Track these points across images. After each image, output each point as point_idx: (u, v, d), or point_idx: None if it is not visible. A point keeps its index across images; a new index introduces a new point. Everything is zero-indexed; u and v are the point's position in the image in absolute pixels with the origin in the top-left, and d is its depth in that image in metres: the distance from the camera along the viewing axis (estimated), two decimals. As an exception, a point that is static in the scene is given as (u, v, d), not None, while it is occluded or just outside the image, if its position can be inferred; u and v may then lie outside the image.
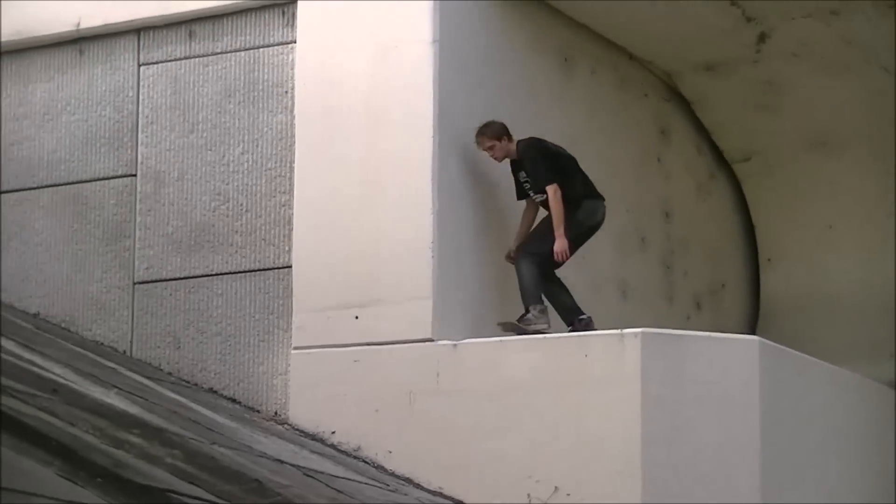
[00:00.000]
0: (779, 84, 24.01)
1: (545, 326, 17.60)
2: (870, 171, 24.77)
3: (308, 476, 17.18)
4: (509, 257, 19.36)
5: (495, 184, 21.18)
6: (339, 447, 19.56)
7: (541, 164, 17.85)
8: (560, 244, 17.67)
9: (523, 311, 18.25)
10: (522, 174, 18.47)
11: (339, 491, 17.17)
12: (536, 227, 18.80)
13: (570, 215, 18.10)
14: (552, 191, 17.65)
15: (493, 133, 18.00)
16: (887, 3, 22.31)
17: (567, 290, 18.64)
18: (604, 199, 18.79)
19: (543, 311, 18.01)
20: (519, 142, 18.30)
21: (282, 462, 17.26)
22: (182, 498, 13.45)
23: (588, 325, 18.31)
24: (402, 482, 19.21)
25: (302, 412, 19.78)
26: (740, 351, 19.51)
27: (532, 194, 18.56)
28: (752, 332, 23.86)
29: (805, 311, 24.74)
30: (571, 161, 18.58)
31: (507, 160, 19.34)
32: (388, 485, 18.87)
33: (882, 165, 24.64)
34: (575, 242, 18.34)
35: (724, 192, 25.90)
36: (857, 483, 21.25)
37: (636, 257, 24.08)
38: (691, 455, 18.59)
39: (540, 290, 18.45)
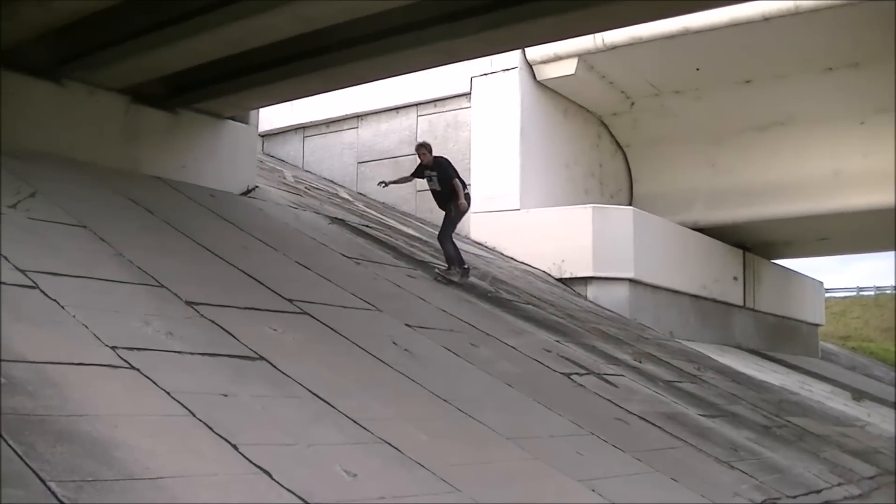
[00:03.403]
0: (639, 119, 25.48)
1: (456, 279, 14.57)
2: (679, 150, 26.10)
3: (476, 256, 19.29)
4: (383, 183, 16.57)
5: (548, 157, 23.38)
6: (486, 245, 21.93)
7: (451, 171, 14.88)
8: (462, 204, 14.80)
9: (447, 266, 14.97)
10: (429, 172, 15.06)
11: (487, 262, 19.36)
12: (444, 220, 15.45)
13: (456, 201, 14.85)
14: (456, 183, 14.70)
15: (427, 148, 14.99)
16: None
17: (457, 248, 15.50)
18: (468, 191, 15.44)
19: (457, 273, 14.74)
20: (435, 157, 15.20)
21: (467, 252, 18.88)
22: (433, 262, 15.89)
23: (467, 272, 15.36)
24: (506, 257, 21.68)
25: (474, 234, 22.32)
26: (626, 213, 22.17)
27: (433, 183, 15.09)
28: (630, 206, 25.03)
29: (648, 200, 26.07)
30: (456, 172, 15.24)
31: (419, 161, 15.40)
32: (501, 255, 21.45)
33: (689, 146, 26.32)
34: (454, 218, 15.26)
35: (621, 156, 26.84)
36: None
37: (590, 180, 25.29)
38: (609, 250, 21.10)
39: (455, 257, 15.16)
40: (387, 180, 16.44)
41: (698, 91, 24.10)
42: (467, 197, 15.09)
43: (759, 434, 12.27)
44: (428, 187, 15.48)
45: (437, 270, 14.94)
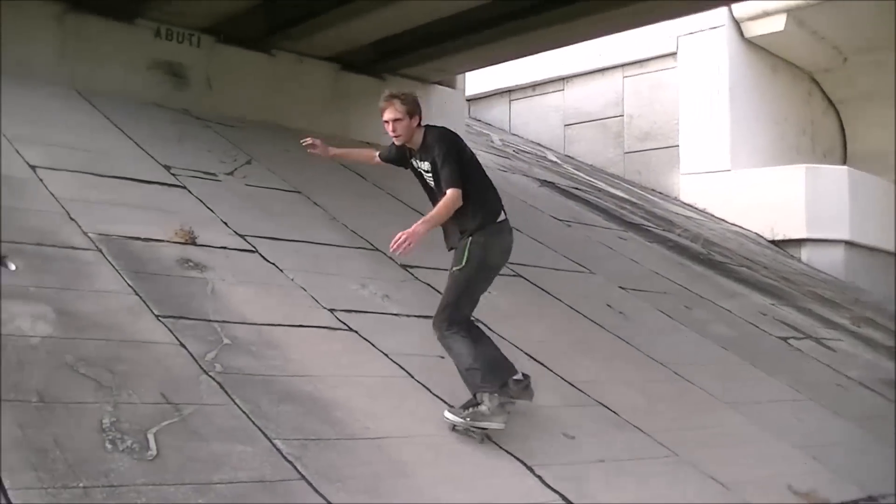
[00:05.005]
0: (852, 75, 24.25)
1: (500, 426, 5.95)
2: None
3: (686, 218, 19.04)
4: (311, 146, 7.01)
5: (757, 116, 22.42)
6: (696, 207, 21.38)
7: (453, 155, 6.17)
8: (411, 235, 5.65)
9: (470, 399, 6.04)
10: (418, 162, 6.38)
11: (699, 224, 18.99)
12: (455, 271, 6.18)
13: (480, 239, 6.18)
14: (453, 194, 5.98)
15: (408, 105, 6.20)
16: None
17: (492, 342, 6.31)
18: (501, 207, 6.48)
19: (502, 405, 6.00)
20: (427, 128, 6.35)
21: (677, 214, 19.10)
22: (644, 224, 15.88)
23: (526, 389, 6.21)
24: (717, 219, 21.05)
25: (683, 196, 21.89)
26: (841, 172, 21.21)
27: (425, 178, 6.40)
28: (844, 164, 23.74)
29: (863, 158, 24.70)
30: (480, 169, 6.44)
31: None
32: (712, 217, 21.00)
33: None
34: (479, 275, 6.21)
35: (833, 114, 25.68)
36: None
37: (802, 139, 24.34)
38: (824, 211, 20.35)
39: (487, 369, 6.01)
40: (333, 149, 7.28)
41: (917, 45, 23.04)
42: (490, 214, 6.32)
43: None
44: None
45: (448, 414, 6.05)
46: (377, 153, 6.94)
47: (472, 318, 6.31)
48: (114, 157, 9.66)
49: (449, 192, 5.97)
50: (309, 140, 6.95)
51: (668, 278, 12.38)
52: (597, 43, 18.09)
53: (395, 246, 5.56)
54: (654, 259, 13.34)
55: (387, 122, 6.19)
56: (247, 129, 12.16)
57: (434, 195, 6.31)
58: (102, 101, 11.37)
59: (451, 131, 6.43)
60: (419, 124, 6.25)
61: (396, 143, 6.34)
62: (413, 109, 6.19)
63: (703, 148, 22.02)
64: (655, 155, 22.62)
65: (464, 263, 6.10)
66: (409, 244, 5.58)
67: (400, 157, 6.58)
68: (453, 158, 6.12)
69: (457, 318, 6.07)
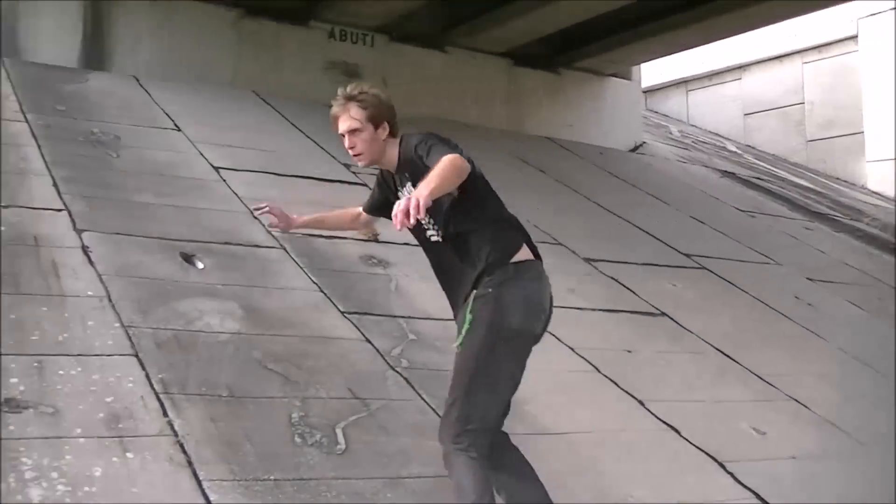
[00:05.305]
0: None
1: None
2: None
3: (874, 207, 18.10)
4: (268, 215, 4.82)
5: None
6: (884, 195, 20.08)
7: (444, 144, 3.80)
8: (417, 201, 3.23)
9: None
10: (400, 190, 4.07)
11: (888, 213, 17.76)
12: (456, 366, 3.86)
13: (487, 290, 3.78)
14: (452, 156, 3.57)
15: (369, 109, 3.97)
16: None
17: (530, 473, 3.94)
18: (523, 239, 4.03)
19: None
20: (404, 137, 4.02)
21: (865, 202, 18.25)
22: (829, 213, 15.44)
23: None
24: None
25: (871, 184, 20.80)
26: None
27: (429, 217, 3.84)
28: None
29: None
30: (487, 186, 4.03)
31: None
32: None
33: None
34: (496, 349, 3.80)
35: None
36: None
37: None
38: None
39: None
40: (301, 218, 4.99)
41: None
42: (505, 249, 3.94)
43: None
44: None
45: None
46: (360, 208, 4.75)
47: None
48: (294, 157, 9.90)
49: (444, 157, 3.68)
50: (265, 208, 4.81)
51: (857, 269, 12.07)
52: (773, 29, 17.67)
53: (400, 215, 3.30)
54: (842, 249, 13.00)
55: (342, 135, 4.11)
56: (422, 125, 12.20)
57: (436, 249, 4.16)
58: (280, 102, 11.68)
59: (431, 136, 4.01)
60: (391, 134, 4.12)
61: (359, 164, 4.19)
62: (378, 114, 4.07)
63: (891, 134, 21.19)
64: (840, 142, 21.89)
65: (465, 332, 3.87)
66: (419, 203, 3.27)
67: (386, 196, 4.35)
68: (441, 141, 3.91)
69: (469, 425, 3.84)
